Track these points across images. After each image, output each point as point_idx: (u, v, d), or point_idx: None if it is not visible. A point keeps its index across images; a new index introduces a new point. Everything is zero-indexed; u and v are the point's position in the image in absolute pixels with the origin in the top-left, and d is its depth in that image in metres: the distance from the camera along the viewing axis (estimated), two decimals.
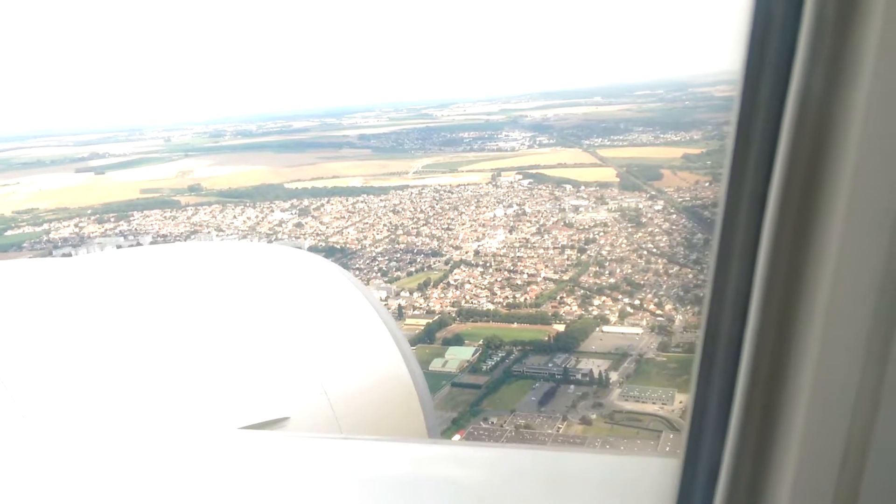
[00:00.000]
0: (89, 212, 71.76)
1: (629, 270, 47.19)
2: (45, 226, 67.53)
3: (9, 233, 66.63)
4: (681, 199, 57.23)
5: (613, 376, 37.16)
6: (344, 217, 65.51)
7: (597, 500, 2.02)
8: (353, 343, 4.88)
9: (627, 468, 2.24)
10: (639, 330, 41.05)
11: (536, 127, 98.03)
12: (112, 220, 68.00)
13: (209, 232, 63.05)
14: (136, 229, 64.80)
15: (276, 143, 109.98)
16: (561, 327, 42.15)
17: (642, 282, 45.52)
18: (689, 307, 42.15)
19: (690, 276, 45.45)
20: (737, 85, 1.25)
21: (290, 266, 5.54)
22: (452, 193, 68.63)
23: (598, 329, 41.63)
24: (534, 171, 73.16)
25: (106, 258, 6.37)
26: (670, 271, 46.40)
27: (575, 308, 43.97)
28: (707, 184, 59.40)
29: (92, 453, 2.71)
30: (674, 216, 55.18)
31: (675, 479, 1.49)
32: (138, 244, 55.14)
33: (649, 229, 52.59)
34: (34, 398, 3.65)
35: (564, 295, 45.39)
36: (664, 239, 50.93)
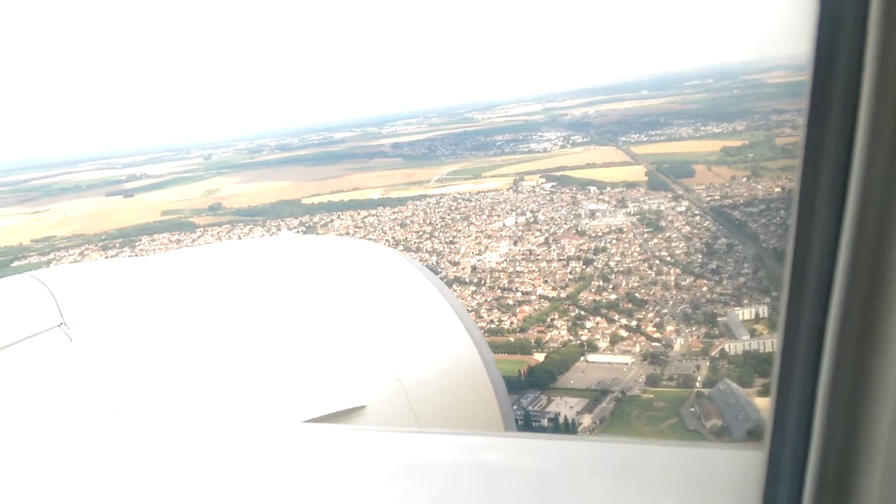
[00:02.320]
0: (104, 237, 70.56)
1: (635, 284, 41.49)
2: (52, 255, 66.02)
3: (15, 263, 65.44)
4: (709, 198, 51.11)
5: (585, 420, 31.42)
6: (350, 233, 61.85)
7: (677, 492, 1.93)
8: (426, 332, 4.85)
9: (708, 459, 2.17)
10: (628, 359, 35.40)
11: (573, 125, 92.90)
12: (117, 246, 66.14)
13: None
14: (137, 255, 62.62)
15: (311, 155, 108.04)
16: (541, 357, 36.78)
17: (646, 297, 39.74)
18: (694, 327, 36.26)
19: (704, 288, 39.60)
20: (808, 67, 1.11)
21: (362, 257, 5.60)
22: (470, 202, 64.22)
23: (581, 359, 36.19)
24: (559, 174, 68.28)
25: (185, 255, 6.57)
26: (682, 283, 40.49)
27: (564, 333, 38.59)
28: (744, 179, 53.21)
29: (174, 445, 2.74)
30: (697, 218, 49.19)
31: (760, 471, 1.44)
32: None
33: (667, 234, 46.75)
34: (123, 393, 3.82)
35: (556, 316, 40.03)
36: (681, 245, 45.05)
